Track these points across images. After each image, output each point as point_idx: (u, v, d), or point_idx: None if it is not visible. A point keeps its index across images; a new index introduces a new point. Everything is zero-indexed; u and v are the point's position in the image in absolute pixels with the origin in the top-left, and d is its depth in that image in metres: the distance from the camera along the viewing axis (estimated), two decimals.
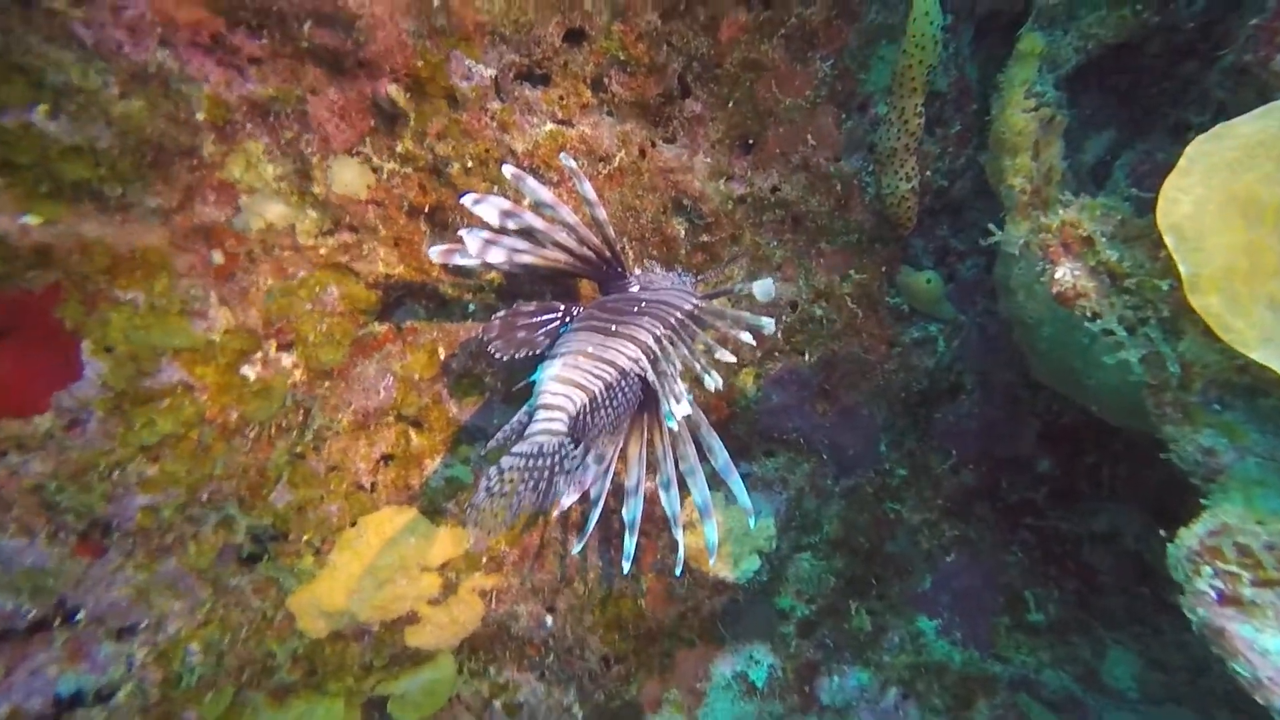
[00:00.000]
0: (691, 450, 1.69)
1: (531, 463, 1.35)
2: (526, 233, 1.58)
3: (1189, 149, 1.13)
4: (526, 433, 1.41)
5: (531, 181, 1.53)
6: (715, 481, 1.91)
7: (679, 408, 1.41)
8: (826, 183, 2.16)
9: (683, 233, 2.11)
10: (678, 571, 1.65)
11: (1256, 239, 1.05)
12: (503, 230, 1.54)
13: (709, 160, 2.04)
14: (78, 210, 1.26)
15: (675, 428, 1.46)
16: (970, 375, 2.54)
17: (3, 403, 1.24)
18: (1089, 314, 1.25)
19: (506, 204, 1.52)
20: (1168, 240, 1.10)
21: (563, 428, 1.42)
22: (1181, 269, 1.10)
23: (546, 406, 1.43)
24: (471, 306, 1.93)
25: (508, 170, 1.50)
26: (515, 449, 1.36)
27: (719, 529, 2.13)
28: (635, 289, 1.78)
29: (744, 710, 2.43)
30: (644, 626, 2.30)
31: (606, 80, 1.82)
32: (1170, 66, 1.99)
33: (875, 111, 2.09)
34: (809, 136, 2.09)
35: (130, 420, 1.35)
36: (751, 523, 1.69)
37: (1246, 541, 1.10)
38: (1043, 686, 2.41)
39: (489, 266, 1.58)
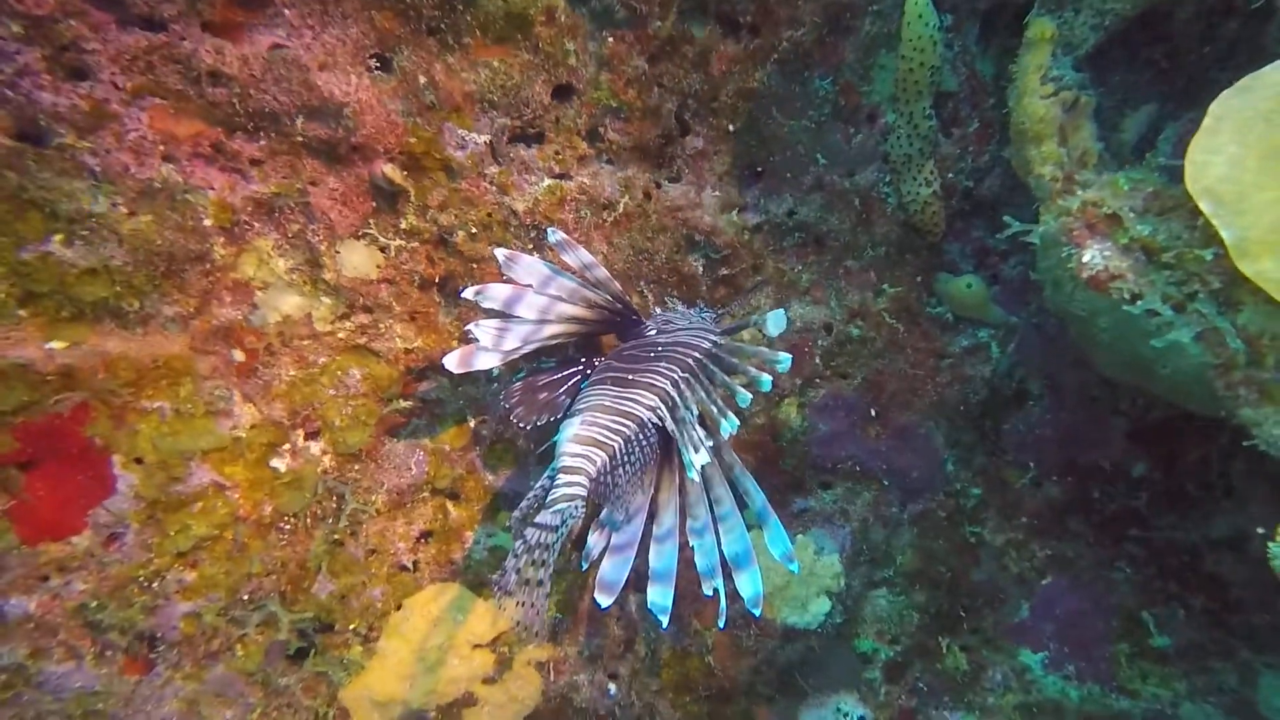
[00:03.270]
0: (727, 493, 1.55)
1: (558, 532, 1.25)
2: (532, 309, 1.53)
3: (1213, 106, 0.97)
4: (548, 499, 1.32)
5: (525, 260, 1.49)
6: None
7: (698, 457, 1.29)
8: (844, 199, 2.03)
9: (700, 269, 2.01)
10: (720, 624, 1.48)
11: None
12: (509, 314, 1.50)
13: (717, 194, 1.96)
14: (99, 329, 1.28)
15: (696, 479, 1.34)
16: (1035, 380, 2.29)
17: (41, 527, 1.24)
18: (1127, 296, 1.08)
19: (506, 289, 1.48)
20: (1203, 206, 0.94)
21: (583, 491, 1.33)
22: (1225, 235, 0.94)
23: (567, 470, 1.35)
24: (496, 371, 1.88)
25: (500, 254, 1.46)
26: (538, 519, 1.26)
27: (770, 570, 1.94)
28: (653, 333, 1.68)
29: None
30: (715, 685, 2.10)
31: (602, 130, 1.78)
32: (1209, 29, 1.79)
33: (884, 121, 1.96)
34: (819, 155, 1.98)
35: (165, 528, 1.33)
36: (794, 568, 1.51)
37: None
38: None
39: (508, 355, 1.52)
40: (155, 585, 1.33)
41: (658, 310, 1.91)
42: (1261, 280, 0.93)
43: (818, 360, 2.16)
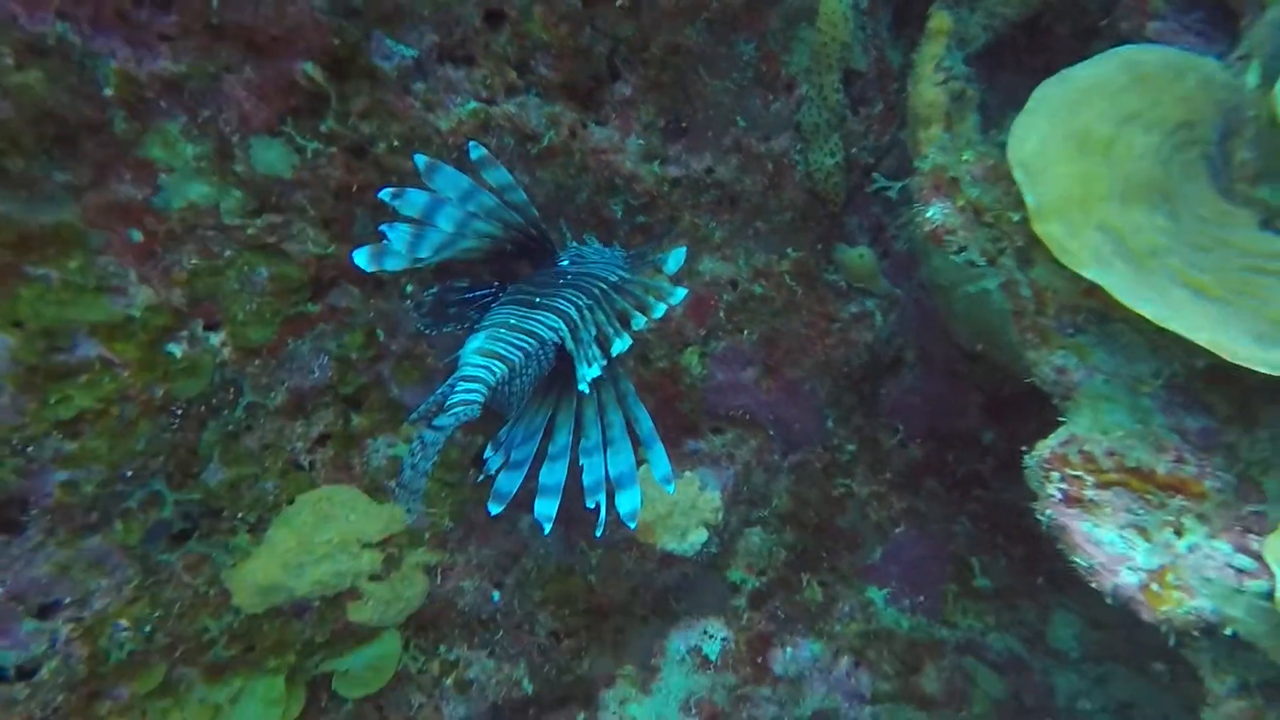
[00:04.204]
0: (619, 419, 1.67)
1: (451, 434, 1.34)
2: (449, 220, 1.57)
3: (1035, 91, 1.17)
4: (446, 404, 1.39)
5: (446, 170, 1.52)
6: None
7: (589, 371, 1.40)
8: (758, 162, 2.14)
9: (620, 214, 2.09)
10: (597, 533, 1.62)
11: (1089, 168, 1.08)
12: (425, 222, 1.53)
13: (641, 142, 2.02)
14: None
15: (586, 390, 1.45)
16: (911, 349, 2.52)
17: None
18: (955, 248, 1.28)
19: (425, 196, 1.51)
20: (1016, 174, 1.13)
21: (480, 399, 1.42)
22: (1027, 200, 1.13)
23: (467, 379, 1.43)
24: (409, 288, 1.90)
25: (420, 160, 1.49)
26: (437, 421, 1.34)
27: (655, 500, 2.10)
28: (565, 263, 1.76)
29: (698, 683, 2.39)
30: (594, 602, 2.26)
31: (532, 63, 1.81)
32: (1082, 45, 2.00)
33: (799, 92, 2.08)
34: (738, 118, 2.08)
35: (44, 395, 1.32)
36: (670, 489, 1.66)
37: (1090, 449, 1.16)
38: (989, 649, 2.38)
39: (419, 262, 1.57)
40: (29, 449, 1.32)
41: (573, 244, 1.98)
42: (1047, 239, 1.14)
43: (721, 314, 2.30)
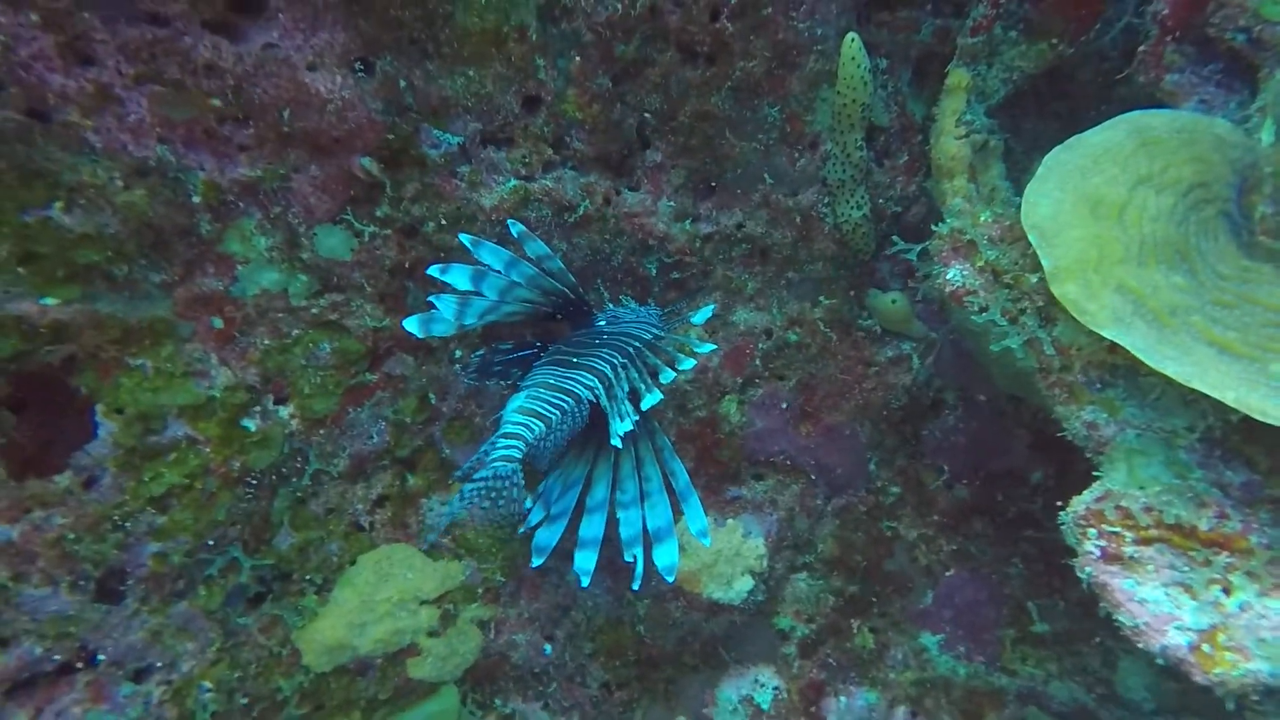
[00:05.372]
0: (656, 473, 1.72)
1: (490, 485, 1.42)
2: (494, 289, 1.69)
3: (1046, 158, 1.20)
4: (488, 459, 1.48)
5: (488, 245, 1.64)
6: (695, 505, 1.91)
7: (621, 425, 1.47)
8: (787, 216, 2.20)
9: (655, 272, 2.17)
10: (634, 586, 1.66)
11: (1103, 232, 1.09)
12: (473, 292, 1.65)
13: (673, 203, 2.11)
14: (90, 289, 1.39)
15: (619, 444, 1.51)
16: (951, 391, 2.50)
17: (26, 464, 1.35)
18: (977, 309, 1.30)
19: (470, 269, 1.64)
20: (1031, 238, 1.15)
21: (519, 454, 1.50)
22: (1044, 262, 1.15)
23: (507, 436, 1.51)
24: (458, 353, 2.01)
25: (465, 238, 1.62)
26: (477, 474, 1.43)
27: (699, 549, 2.12)
28: (602, 324, 1.84)
29: None
30: (645, 653, 2.27)
31: (567, 139, 1.92)
32: (1104, 90, 2.02)
33: (824, 149, 2.14)
34: (766, 175, 2.15)
35: (140, 474, 1.45)
36: (706, 543, 1.70)
37: (1127, 505, 1.14)
38: (1052, 699, 2.28)
39: (466, 328, 1.69)
40: (128, 525, 1.44)
41: (610, 305, 2.06)
42: (1065, 301, 1.16)
43: (758, 361, 2.34)
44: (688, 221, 2.13)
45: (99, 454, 1.42)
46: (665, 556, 1.68)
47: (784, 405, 2.38)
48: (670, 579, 1.68)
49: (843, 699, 2.39)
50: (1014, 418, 2.49)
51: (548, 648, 2.10)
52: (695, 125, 2.03)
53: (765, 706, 2.38)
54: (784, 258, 2.26)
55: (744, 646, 2.40)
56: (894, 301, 2.27)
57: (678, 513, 1.75)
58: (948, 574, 2.51)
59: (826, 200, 2.18)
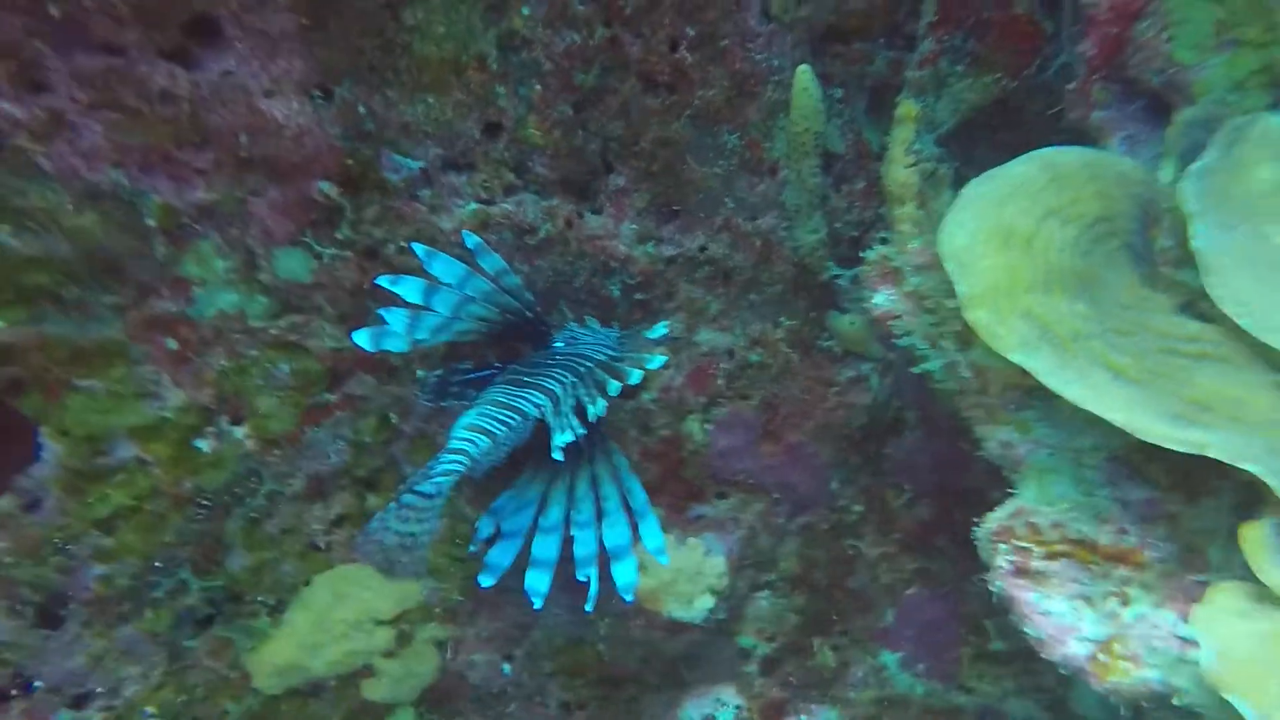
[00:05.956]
0: (614, 492, 1.73)
1: (430, 500, 1.43)
2: (445, 305, 1.69)
3: (965, 190, 1.24)
4: (431, 473, 1.49)
5: (442, 257, 1.65)
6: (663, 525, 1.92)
7: (561, 437, 1.49)
8: (747, 240, 2.24)
9: (618, 293, 2.20)
10: (587, 607, 1.66)
11: (1012, 260, 1.14)
12: (424, 307, 1.66)
13: (635, 226, 2.14)
14: (37, 312, 1.39)
15: (560, 457, 1.53)
16: (911, 410, 2.53)
17: None
18: (901, 333, 1.35)
19: (422, 282, 1.64)
20: (948, 266, 1.19)
21: (462, 469, 1.51)
22: (958, 290, 1.19)
23: (452, 451, 1.52)
24: (420, 373, 2.02)
25: (419, 249, 1.62)
26: (418, 487, 1.43)
27: (659, 567, 2.13)
28: (559, 345, 1.86)
29: None
30: (605, 672, 2.26)
31: (529, 164, 1.95)
32: (1052, 121, 2.08)
33: (783, 174, 2.19)
34: (727, 200, 2.19)
35: (85, 496, 1.43)
36: (664, 561, 1.70)
37: (1036, 521, 1.19)
38: (1008, 717, 2.30)
39: (419, 343, 1.69)
40: (70, 548, 1.43)
41: (573, 325, 2.08)
42: (977, 326, 1.21)
43: (720, 381, 2.36)
44: (650, 244, 2.16)
45: (41, 476, 1.40)
46: (624, 575, 1.69)
47: (747, 425, 2.40)
48: (629, 598, 1.69)
49: (803, 718, 2.39)
50: (973, 438, 2.53)
51: (506, 667, 2.09)
52: (657, 151, 2.07)
53: None
54: (746, 279, 2.29)
55: (706, 665, 2.39)
56: (851, 323, 2.30)
57: (637, 532, 1.76)
58: (909, 592, 2.53)
59: (785, 224, 2.22)
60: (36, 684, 1.44)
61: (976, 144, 2.24)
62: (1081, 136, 1.69)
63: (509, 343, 2.04)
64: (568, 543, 1.76)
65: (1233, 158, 1.26)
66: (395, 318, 1.61)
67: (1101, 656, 1.18)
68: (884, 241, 1.46)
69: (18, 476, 1.37)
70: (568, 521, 1.73)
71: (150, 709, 1.54)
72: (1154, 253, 1.30)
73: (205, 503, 1.62)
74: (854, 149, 2.20)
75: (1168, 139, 1.34)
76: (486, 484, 2.03)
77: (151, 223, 1.49)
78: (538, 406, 1.65)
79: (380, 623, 1.85)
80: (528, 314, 1.81)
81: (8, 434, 1.36)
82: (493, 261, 1.73)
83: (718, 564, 2.30)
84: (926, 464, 2.56)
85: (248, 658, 1.67)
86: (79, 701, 1.50)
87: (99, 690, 1.51)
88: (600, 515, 1.72)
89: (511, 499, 1.80)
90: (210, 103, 1.44)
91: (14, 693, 1.42)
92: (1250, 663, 0.98)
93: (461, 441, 1.55)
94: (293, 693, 1.74)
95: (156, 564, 1.54)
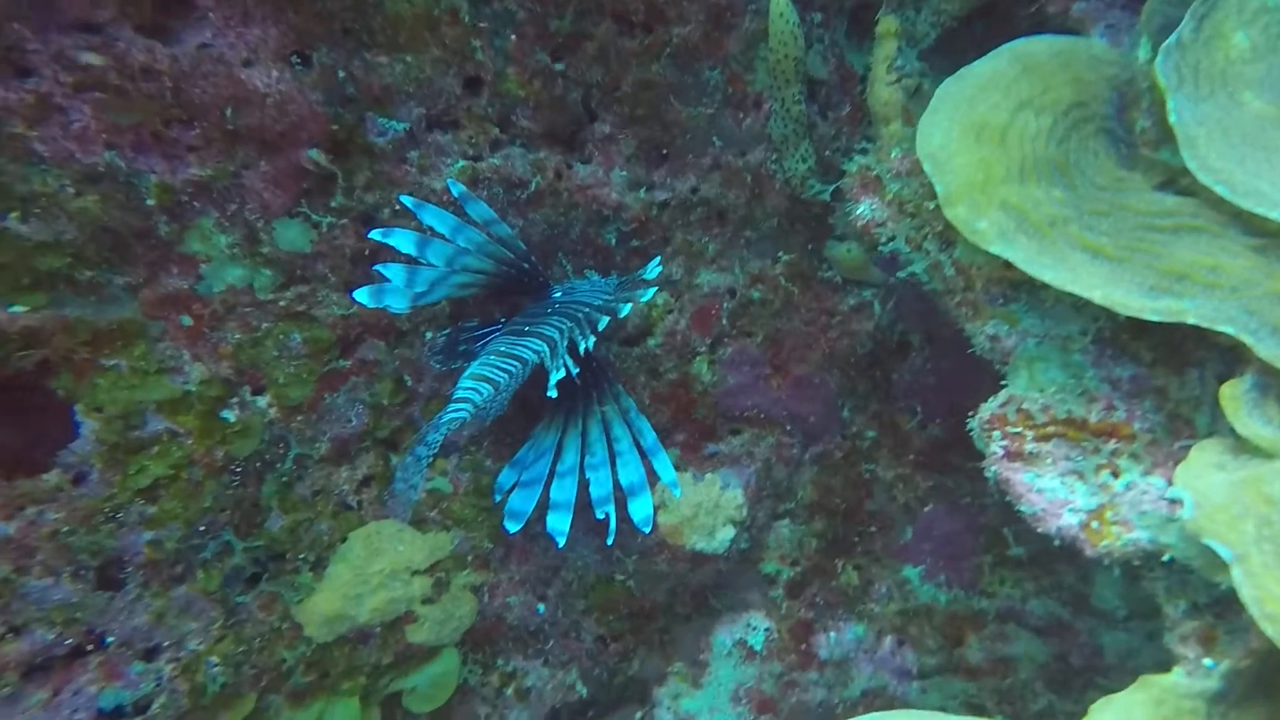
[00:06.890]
0: (625, 432, 1.75)
1: (436, 449, 1.47)
2: (440, 257, 1.70)
3: (938, 90, 1.22)
4: (437, 421, 1.52)
5: (432, 208, 1.65)
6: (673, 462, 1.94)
7: (556, 375, 1.51)
8: (738, 177, 2.20)
9: (614, 241, 2.19)
10: (608, 542, 1.70)
11: (987, 154, 1.12)
12: (418, 260, 1.67)
13: (625, 173, 2.12)
14: (56, 295, 1.42)
15: (553, 394, 1.55)
16: (916, 333, 2.52)
17: (13, 466, 1.39)
18: (885, 239, 1.33)
19: (414, 235, 1.65)
20: (925, 167, 1.17)
21: (466, 416, 1.54)
22: (937, 189, 1.17)
23: (457, 400, 1.55)
24: (429, 334, 2.04)
25: (407, 200, 1.63)
26: (428, 437, 1.47)
27: (680, 503, 2.16)
28: (557, 295, 1.87)
29: (746, 674, 2.41)
30: (636, 606, 2.32)
31: (514, 118, 1.93)
32: (1039, 25, 2.00)
33: (768, 106, 2.14)
34: (714, 138, 2.15)
35: (125, 467, 1.49)
36: (676, 492, 1.74)
37: (1027, 407, 1.20)
38: (1030, 615, 2.33)
39: (419, 298, 1.71)
40: (119, 516, 1.49)
41: (573, 277, 2.08)
42: (956, 222, 1.20)
43: (724, 321, 2.36)
44: (642, 190, 2.14)
45: (84, 451, 1.46)
46: (640, 510, 1.72)
47: (754, 361, 2.40)
48: (647, 530, 1.72)
49: (832, 634, 2.44)
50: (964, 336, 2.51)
51: (541, 607, 2.15)
52: (640, 94, 2.03)
53: (758, 648, 2.43)
54: (740, 217, 2.27)
55: (733, 593, 2.45)
56: (849, 250, 2.28)
57: (651, 470, 1.79)
58: (925, 509, 2.54)
59: (774, 157, 2.18)
60: (109, 639, 1.52)
61: (963, 55, 2.16)
62: (1064, 30, 1.63)
63: (511, 298, 2.05)
64: (586, 488, 1.80)
65: (1206, 28, 1.21)
66: (394, 272, 1.63)
67: (1094, 524, 1.20)
68: (863, 153, 1.44)
69: (62, 452, 1.43)
70: (583, 465, 1.76)
71: (214, 659, 1.62)
72: (1133, 134, 1.26)
73: (237, 469, 1.67)
74: (837, 73, 2.14)
75: (1142, 17, 1.29)
76: (507, 439, 2.07)
77: (151, 202, 1.51)
78: (536, 353, 1.67)
79: (416, 572, 1.91)
80: (524, 264, 1.81)
81: (46, 414, 1.40)
82: (480, 209, 1.73)
83: (735, 496, 2.33)
84: (935, 384, 2.55)
85: (296, 610, 1.75)
86: (149, 654, 1.58)
87: (165, 644, 1.59)
88: (613, 456, 1.75)
89: (530, 450, 1.83)
90: (191, 76, 1.44)
91: (90, 648, 1.51)
92: (1226, 507, 1.00)
93: (466, 390, 1.58)
94: (343, 640, 1.82)
95: (200, 528, 1.60)
